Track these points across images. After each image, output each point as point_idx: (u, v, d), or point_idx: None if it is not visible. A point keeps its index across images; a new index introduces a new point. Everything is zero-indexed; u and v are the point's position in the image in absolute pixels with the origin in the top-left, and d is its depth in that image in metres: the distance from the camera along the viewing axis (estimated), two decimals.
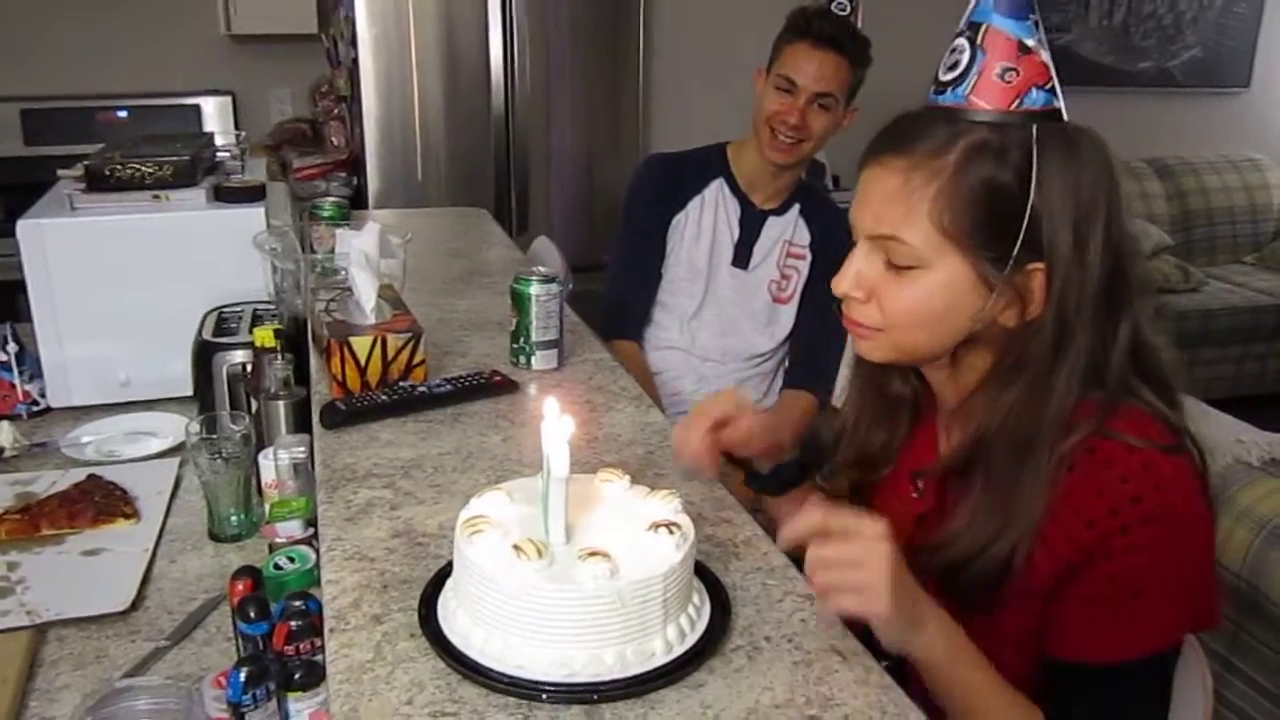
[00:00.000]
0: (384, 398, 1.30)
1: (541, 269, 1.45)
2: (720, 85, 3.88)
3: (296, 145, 3.63)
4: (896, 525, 1.08)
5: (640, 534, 0.86)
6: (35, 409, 1.78)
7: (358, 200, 3.37)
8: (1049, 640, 0.96)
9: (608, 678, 0.80)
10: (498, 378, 1.38)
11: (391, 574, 0.96)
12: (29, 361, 1.78)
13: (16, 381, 1.77)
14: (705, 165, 2.12)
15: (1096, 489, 0.90)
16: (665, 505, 0.91)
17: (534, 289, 1.42)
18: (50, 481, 1.55)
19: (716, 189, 2.11)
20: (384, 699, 0.79)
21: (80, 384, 1.79)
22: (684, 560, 0.84)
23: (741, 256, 2.11)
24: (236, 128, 3.76)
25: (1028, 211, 0.91)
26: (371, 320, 1.39)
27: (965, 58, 0.94)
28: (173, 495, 1.53)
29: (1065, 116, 0.95)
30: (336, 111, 3.64)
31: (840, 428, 1.13)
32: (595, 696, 0.79)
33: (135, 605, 1.25)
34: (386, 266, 1.66)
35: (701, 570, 0.95)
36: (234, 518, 1.41)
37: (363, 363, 1.34)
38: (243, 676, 0.95)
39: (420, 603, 0.90)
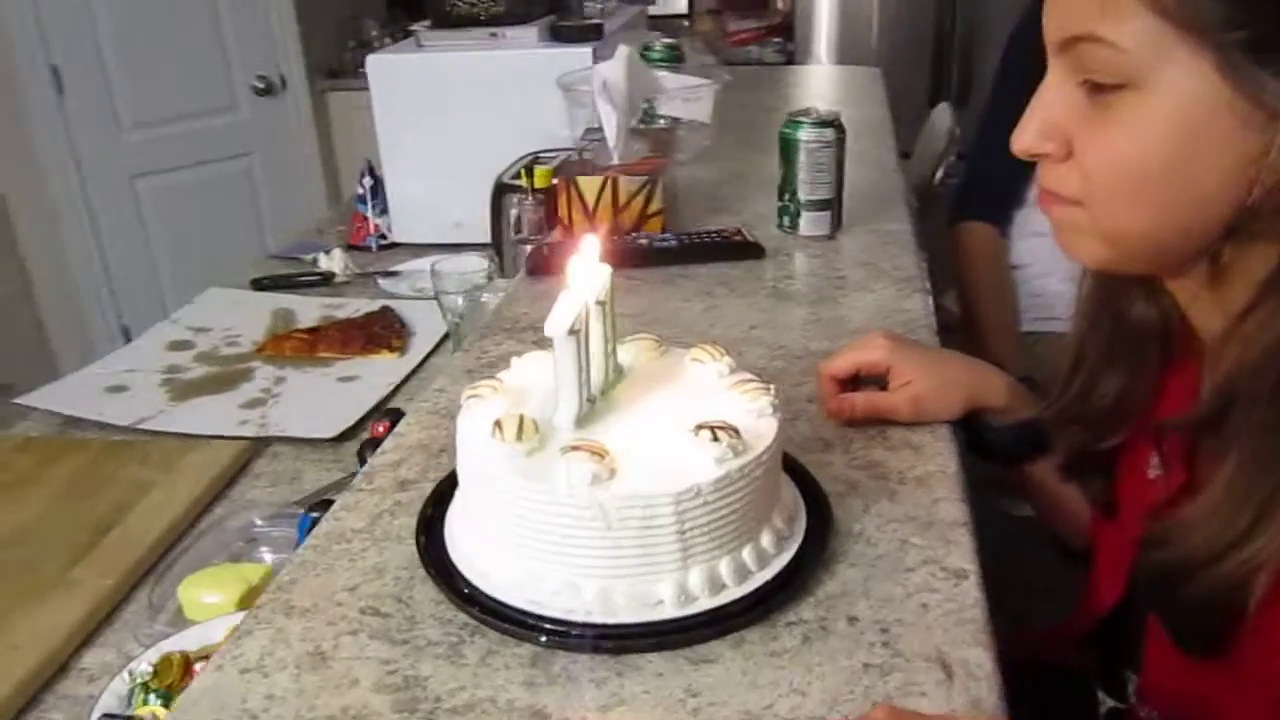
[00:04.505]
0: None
1: (820, 109, 1.17)
2: None
3: (738, 9, 3.48)
4: (1132, 522, 0.71)
5: (682, 435, 0.61)
6: (383, 243, 1.86)
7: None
8: None
9: (580, 617, 0.58)
10: (738, 237, 1.14)
11: None
12: (381, 197, 1.85)
13: (369, 214, 1.86)
14: None
15: None
16: (745, 402, 0.64)
17: (803, 134, 1.15)
18: (355, 309, 1.60)
19: None
20: (327, 580, 0.64)
21: (419, 222, 1.83)
22: (722, 482, 0.58)
23: None
24: None
25: None
26: (615, 160, 1.21)
27: None
28: (446, 337, 1.50)
29: None
30: None
31: (1066, 367, 0.75)
32: (544, 639, 0.58)
33: (345, 436, 1.23)
34: (691, 110, 1.47)
35: (819, 506, 0.68)
36: None
37: (590, 206, 1.17)
38: (309, 524, 0.85)
39: (446, 477, 0.73)
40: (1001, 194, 1.66)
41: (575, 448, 0.58)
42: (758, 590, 0.60)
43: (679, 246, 1.12)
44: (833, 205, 1.18)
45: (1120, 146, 0.55)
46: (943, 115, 2.04)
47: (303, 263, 1.80)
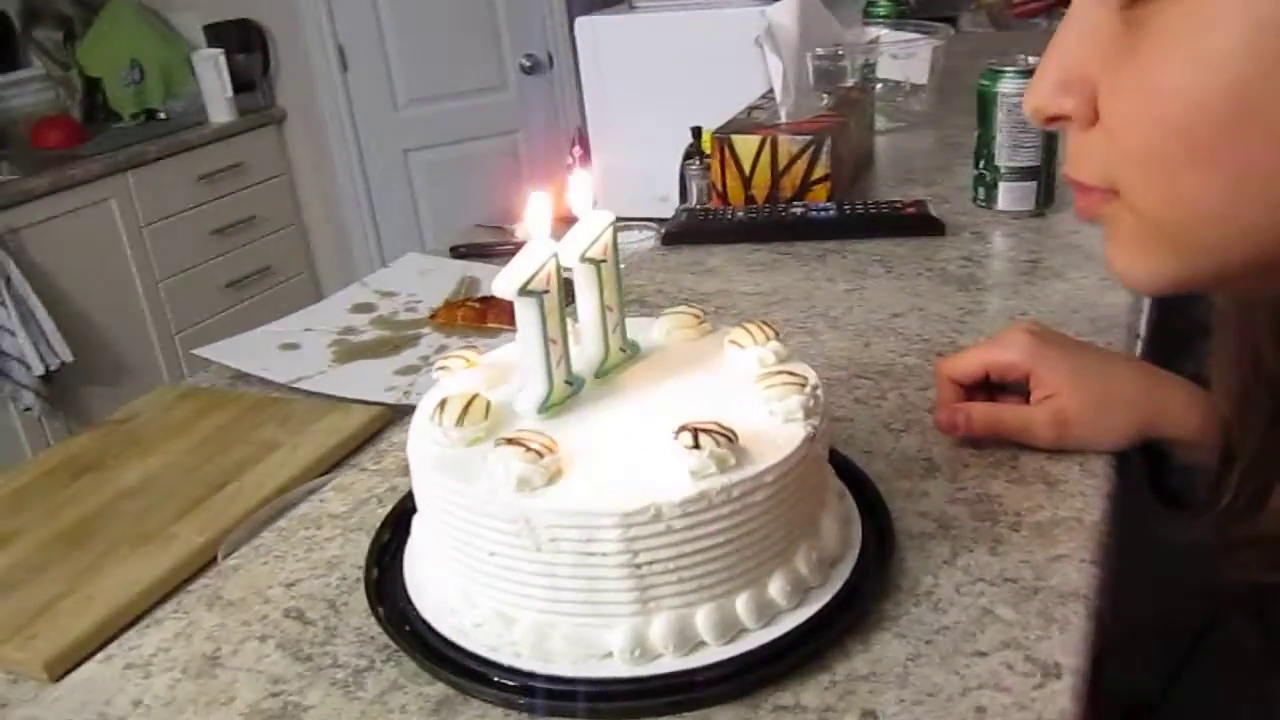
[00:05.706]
0: (739, 215, 0.98)
1: (1031, 59, 0.95)
2: None
3: None
4: None
5: (663, 438, 0.46)
6: None
7: None
8: None
9: (505, 658, 0.45)
10: (913, 209, 0.95)
11: None
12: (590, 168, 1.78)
13: None
14: None
15: None
16: (770, 401, 0.48)
17: (1004, 85, 0.94)
18: None
19: None
20: (272, 571, 0.55)
21: (625, 194, 1.73)
22: (695, 504, 0.43)
23: None
24: None
25: None
26: (782, 118, 1.06)
27: None
28: None
29: None
30: None
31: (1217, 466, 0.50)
32: (452, 676, 0.45)
33: None
34: (906, 70, 1.28)
35: (882, 548, 0.51)
36: None
37: (747, 170, 1.02)
38: None
39: None
40: None
41: (511, 441, 0.45)
42: (746, 655, 0.45)
43: (837, 218, 0.95)
44: (1040, 175, 0.96)
45: (1159, 80, 0.34)
46: None
47: (505, 231, 1.76)
